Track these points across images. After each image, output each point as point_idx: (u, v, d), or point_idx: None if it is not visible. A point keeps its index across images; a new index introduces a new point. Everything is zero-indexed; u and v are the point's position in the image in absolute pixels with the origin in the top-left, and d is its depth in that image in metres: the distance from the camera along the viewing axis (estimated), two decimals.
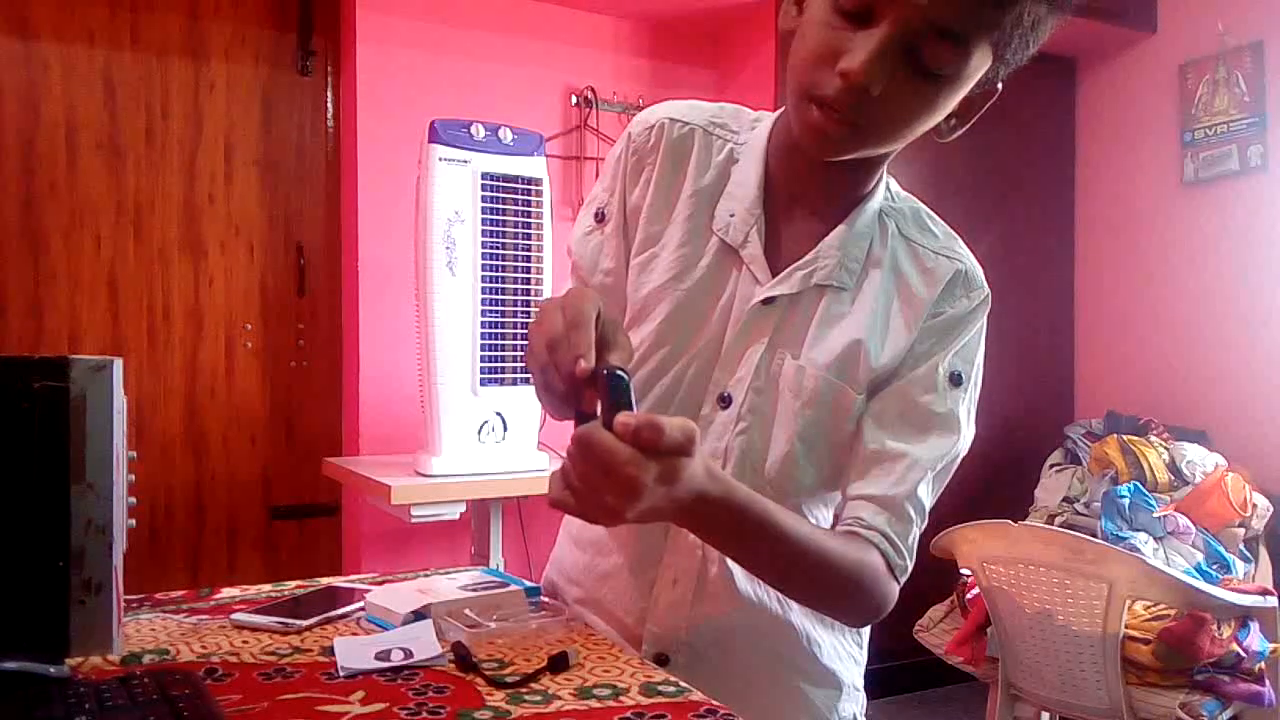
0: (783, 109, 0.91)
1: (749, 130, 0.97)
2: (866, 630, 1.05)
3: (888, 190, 0.96)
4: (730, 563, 0.94)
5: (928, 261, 0.94)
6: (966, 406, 0.93)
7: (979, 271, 0.95)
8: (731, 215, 0.93)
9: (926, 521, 0.91)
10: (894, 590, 0.89)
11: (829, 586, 0.87)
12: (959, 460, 0.93)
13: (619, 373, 0.68)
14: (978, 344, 0.94)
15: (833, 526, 0.98)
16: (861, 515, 0.88)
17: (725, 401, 0.93)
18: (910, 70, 0.77)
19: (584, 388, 0.69)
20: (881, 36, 0.75)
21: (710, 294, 0.93)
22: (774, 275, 0.92)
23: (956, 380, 0.92)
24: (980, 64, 0.78)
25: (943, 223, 0.98)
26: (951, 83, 0.79)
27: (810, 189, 0.93)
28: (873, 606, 0.89)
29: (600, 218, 1.00)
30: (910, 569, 0.90)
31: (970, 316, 0.93)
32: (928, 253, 0.94)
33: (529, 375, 0.75)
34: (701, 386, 0.93)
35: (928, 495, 0.90)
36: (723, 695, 0.82)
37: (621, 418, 0.66)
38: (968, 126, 0.87)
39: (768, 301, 0.91)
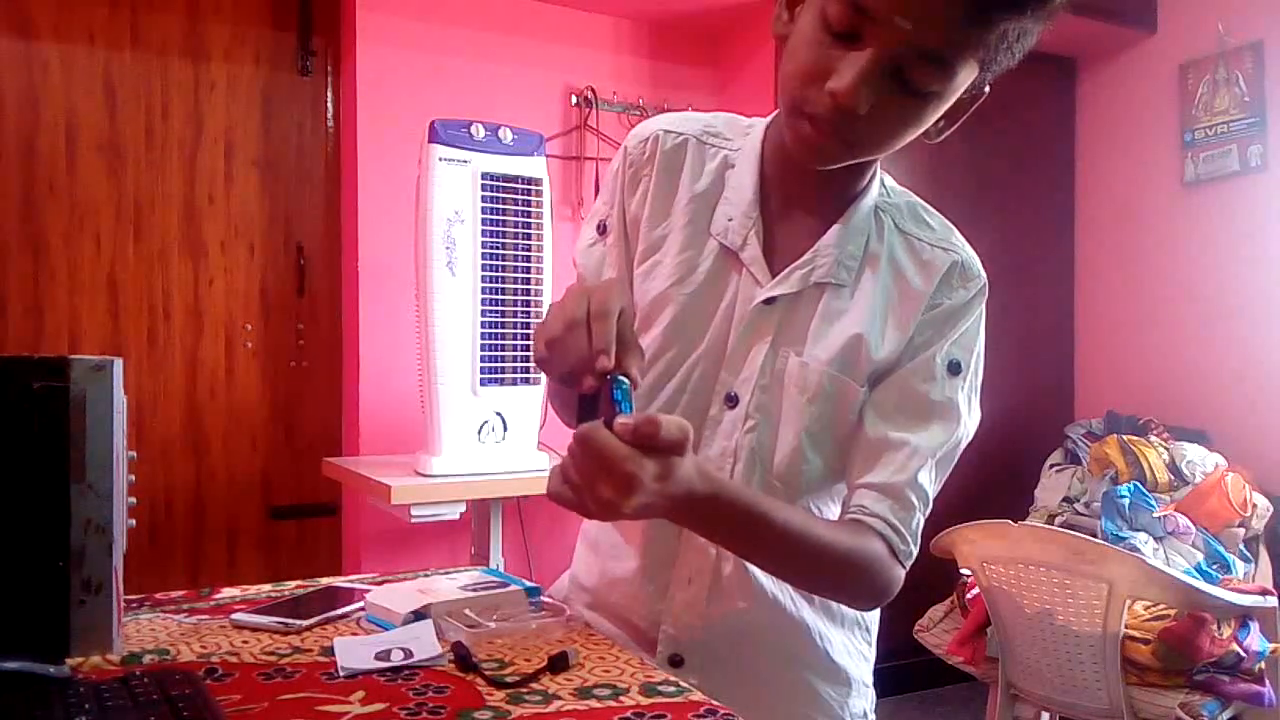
0: (776, 112, 0.92)
1: (743, 136, 0.99)
2: (875, 628, 1.06)
3: (882, 186, 0.97)
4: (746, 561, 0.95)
5: (924, 254, 0.95)
6: (967, 394, 0.94)
7: (975, 261, 0.96)
8: (730, 219, 0.95)
9: (930, 508, 0.92)
10: (899, 574, 0.91)
11: (830, 572, 0.89)
12: (962, 447, 0.94)
13: (621, 379, 0.72)
14: (977, 332, 0.95)
15: (840, 517, 0.99)
16: (864, 503, 0.90)
17: (732, 401, 0.94)
18: (897, 89, 0.78)
19: (586, 374, 0.72)
20: (868, 59, 0.76)
21: (712, 297, 0.95)
22: (774, 275, 0.93)
23: (955, 369, 0.93)
24: (966, 78, 0.80)
25: (938, 215, 0.99)
26: (938, 98, 0.81)
27: (806, 189, 0.94)
28: (878, 590, 0.91)
29: (602, 230, 1.02)
30: (915, 554, 0.91)
31: (968, 306, 0.94)
32: (924, 246, 0.95)
33: (529, 373, 0.78)
34: (708, 388, 0.95)
35: (930, 482, 0.92)
36: (737, 693, 0.84)
37: (621, 418, 0.70)
38: (955, 127, 0.89)
39: (769, 301, 0.93)
